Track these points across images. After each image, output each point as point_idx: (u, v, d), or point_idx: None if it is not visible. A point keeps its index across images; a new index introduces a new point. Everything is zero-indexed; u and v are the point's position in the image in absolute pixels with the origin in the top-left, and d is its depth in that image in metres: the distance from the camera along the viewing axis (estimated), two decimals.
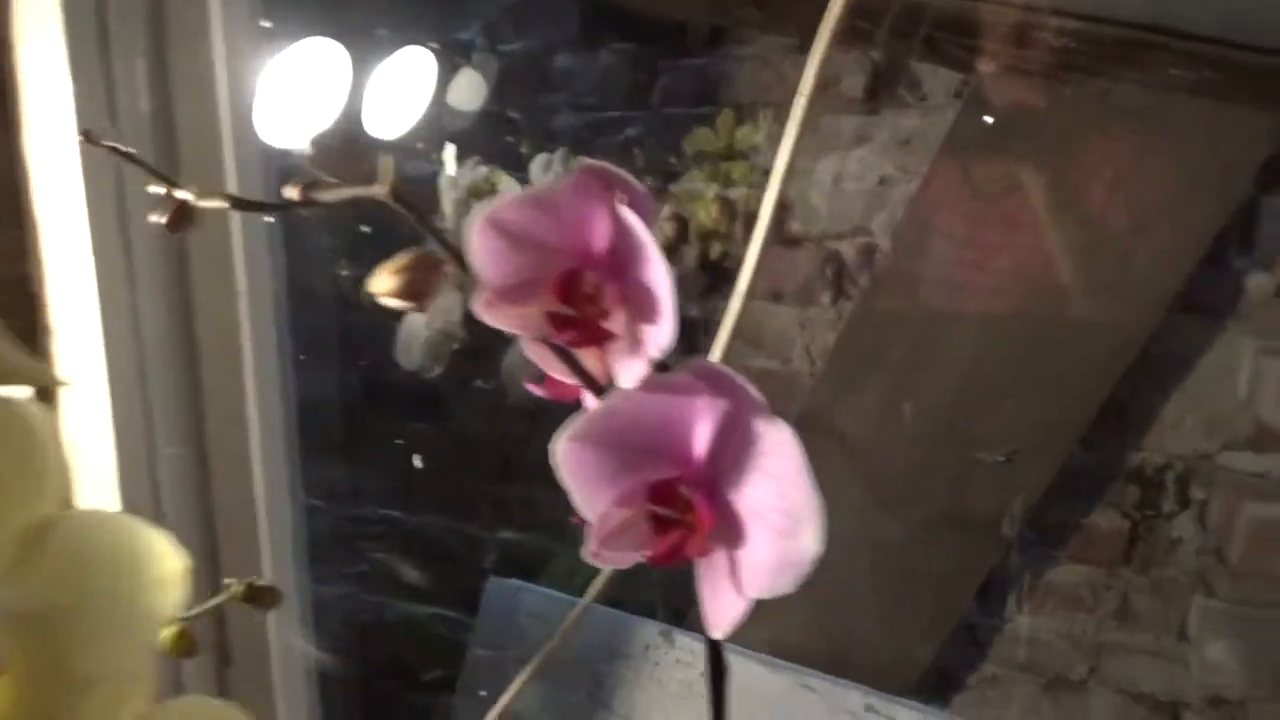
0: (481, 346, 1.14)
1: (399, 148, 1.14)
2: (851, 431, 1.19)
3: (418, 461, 1.24)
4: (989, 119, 1.06)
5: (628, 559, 0.32)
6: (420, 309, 0.33)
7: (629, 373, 0.30)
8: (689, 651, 1.17)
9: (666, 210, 1.16)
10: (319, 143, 0.30)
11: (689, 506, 0.30)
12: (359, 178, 0.30)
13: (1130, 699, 1.17)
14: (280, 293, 0.82)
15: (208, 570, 0.80)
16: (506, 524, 1.43)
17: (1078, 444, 1.11)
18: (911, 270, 1.14)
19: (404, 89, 1.20)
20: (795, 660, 1.10)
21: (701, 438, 0.30)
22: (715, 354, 0.51)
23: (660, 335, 0.29)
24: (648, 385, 0.29)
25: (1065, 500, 1.14)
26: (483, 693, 1.19)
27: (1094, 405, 1.08)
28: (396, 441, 1.48)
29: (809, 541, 0.27)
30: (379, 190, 0.31)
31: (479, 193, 1.06)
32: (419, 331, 1.05)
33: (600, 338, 0.30)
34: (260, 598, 0.38)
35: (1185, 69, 0.96)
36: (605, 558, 0.32)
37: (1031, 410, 1.09)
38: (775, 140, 1.20)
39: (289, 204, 0.34)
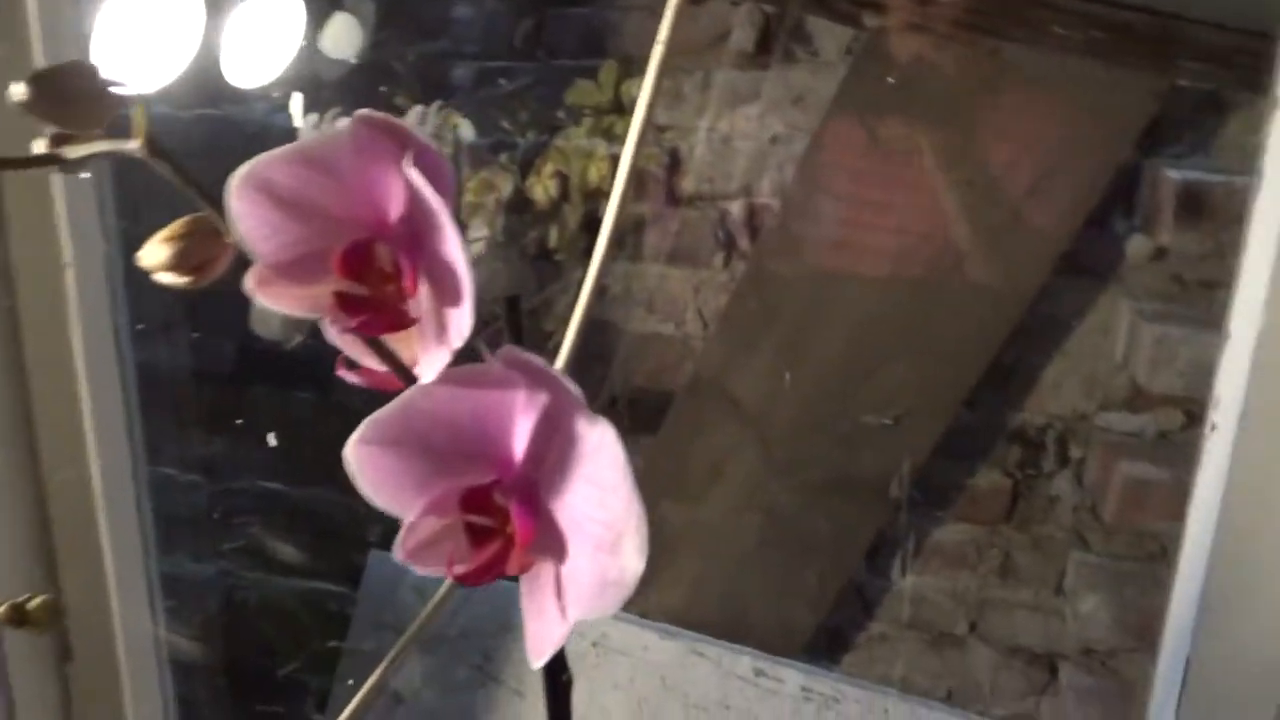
0: None
1: (257, 97, 1.05)
2: (742, 395, 1.17)
3: (272, 440, 1.17)
4: (878, 76, 1.04)
5: (440, 571, 0.28)
6: (198, 283, 0.28)
7: (430, 364, 0.25)
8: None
9: (550, 168, 1.11)
10: (37, 82, 0.24)
11: (507, 516, 0.26)
12: (93, 123, 0.25)
13: (1010, 652, 1.20)
14: (114, 261, 0.74)
15: (41, 553, 0.74)
16: None
17: (963, 405, 1.11)
18: (801, 231, 1.12)
19: (269, 32, 1.10)
20: (687, 627, 1.09)
21: (520, 437, 0.26)
22: (574, 322, 0.47)
23: (459, 320, 0.25)
24: (451, 379, 0.25)
25: (950, 461, 1.15)
26: (349, 681, 1.14)
27: (979, 367, 1.08)
28: (275, 412, 1.41)
29: (630, 559, 0.23)
30: (133, 145, 0.26)
31: None
32: None
33: (399, 322, 0.25)
34: (29, 619, 0.32)
35: (1074, 29, 0.95)
36: (419, 567, 0.27)
37: (919, 372, 1.09)
38: (667, 95, 1.16)
39: (35, 160, 0.29)
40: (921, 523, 1.18)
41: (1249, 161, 0.97)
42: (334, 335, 0.29)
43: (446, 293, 0.25)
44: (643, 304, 1.22)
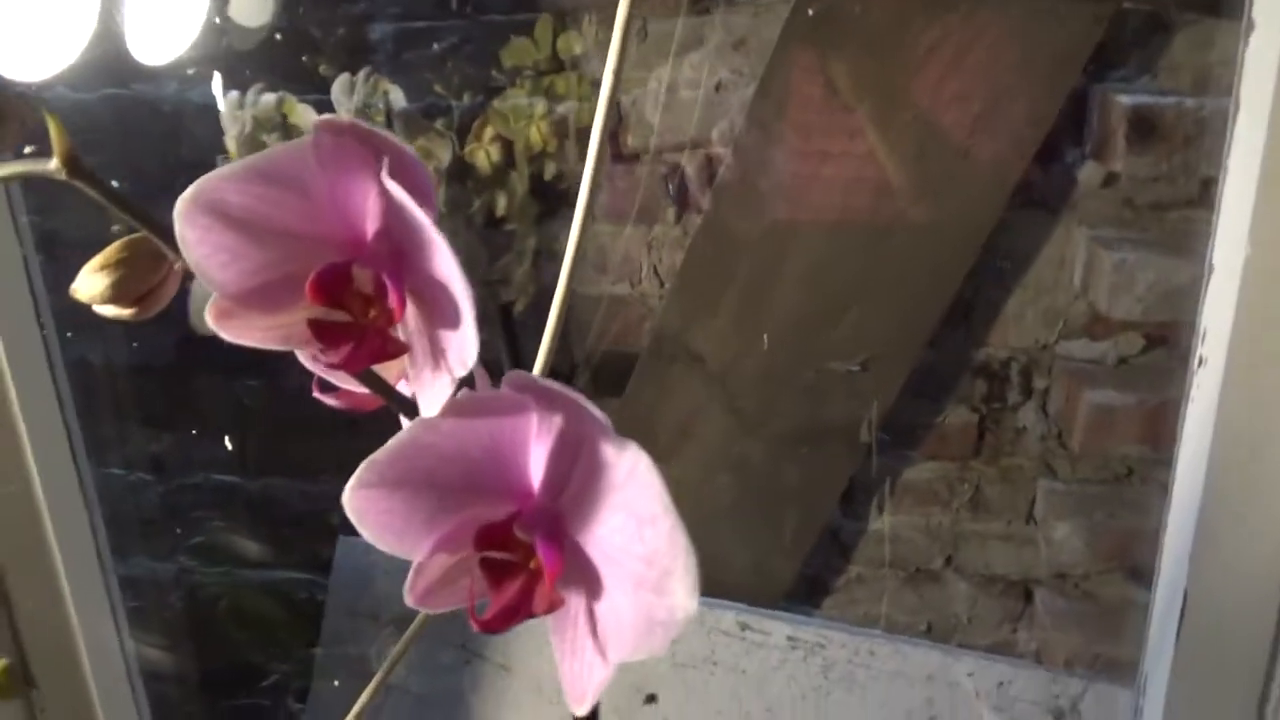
0: None
1: (170, 73, 0.98)
2: (706, 352, 1.15)
3: (229, 443, 1.13)
4: (822, 15, 1.01)
5: (455, 605, 0.26)
6: (144, 315, 0.25)
7: (432, 395, 0.23)
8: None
9: (490, 132, 1.06)
10: None
11: (530, 550, 0.24)
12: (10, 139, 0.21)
13: (986, 581, 1.22)
14: (31, 260, 0.70)
15: None
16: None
17: (927, 345, 1.11)
18: (754, 180, 1.09)
19: (173, 4, 1.03)
20: None
21: (536, 465, 0.24)
22: (559, 289, 0.44)
23: (460, 345, 0.22)
24: (457, 410, 0.22)
25: (918, 401, 1.15)
26: (333, 680, 1.12)
27: (941, 306, 1.08)
28: (226, 403, 1.36)
29: (680, 598, 0.21)
30: (51, 166, 0.23)
31: (268, 125, 0.93)
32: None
33: (387, 350, 0.22)
34: None
35: None
36: (428, 608, 0.25)
37: (881, 316, 1.08)
38: (602, 48, 1.12)
39: None
40: (892, 464, 1.18)
41: (1198, 83, 0.97)
42: (308, 360, 0.26)
43: (439, 314, 0.22)
44: (595, 265, 1.19)
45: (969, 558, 1.21)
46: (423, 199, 0.20)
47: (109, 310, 0.26)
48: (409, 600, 0.25)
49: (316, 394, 0.30)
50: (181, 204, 0.20)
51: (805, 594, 1.22)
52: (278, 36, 1.10)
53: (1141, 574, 1.11)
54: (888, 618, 1.24)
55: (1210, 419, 0.52)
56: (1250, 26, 0.48)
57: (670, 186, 1.17)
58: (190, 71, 0.97)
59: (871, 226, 1.05)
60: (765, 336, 1.11)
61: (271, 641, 1.33)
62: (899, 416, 1.15)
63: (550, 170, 1.09)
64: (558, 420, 0.23)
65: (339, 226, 0.22)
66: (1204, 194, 1.01)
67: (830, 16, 1.01)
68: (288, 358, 0.28)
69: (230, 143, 0.92)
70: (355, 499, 0.23)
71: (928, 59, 1.00)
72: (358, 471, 0.22)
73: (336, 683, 1.27)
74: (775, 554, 1.20)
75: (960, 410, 1.16)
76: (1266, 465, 0.51)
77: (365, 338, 0.22)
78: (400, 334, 0.23)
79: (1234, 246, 0.50)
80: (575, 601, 0.24)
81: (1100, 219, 1.05)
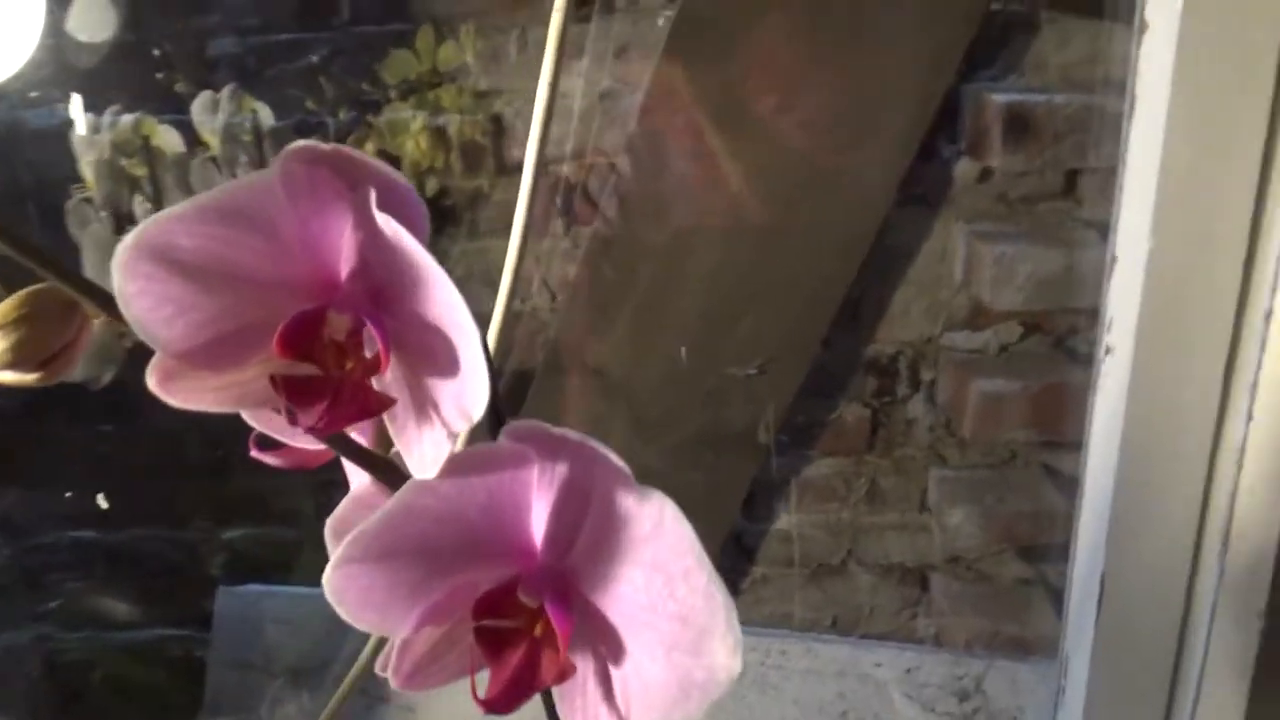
0: None
1: (7, 98, 0.89)
2: (603, 364, 1.13)
3: (102, 501, 1.03)
4: (703, 23, 1.01)
5: (447, 681, 0.23)
6: (52, 379, 0.21)
7: (426, 454, 0.20)
8: None
9: (369, 148, 1.01)
10: None
11: (535, 615, 0.21)
12: None
13: (884, 571, 1.25)
14: None
15: None
16: (232, 525, 1.25)
17: (820, 345, 1.13)
18: (643, 188, 1.08)
19: (3, 17, 0.94)
20: None
21: (538, 520, 0.21)
22: (497, 314, 0.42)
23: (463, 394, 0.19)
24: (457, 468, 0.20)
25: (813, 400, 1.17)
26: None
27: (832, 306, 1.10)
28: (82, 453, 1.24)
29: (722, 657, 0.19)
30: None
31: (128, 149, 0.85)
32: None
33: (369, 406, 0.20)
34: None
35: None
36: (416, 689, 0.22)
37: (777, 318, 1.09)
38: (484, 58, 1.08)
39: None
40: (792, 464, 1.20)
41: (1064, 80, 1.02)
42: (255, 420, 0.23)
43: (429, 360, 0.19)
44: (484, 282, 1.16)
45: (868, 549, 1.23)
46: (417, 232, 0.17)
47: (7, 376, 0.22)
48: (394, 683, 0.22)
49: (255, 453, 0.26)
50: (123, 252, 0.17)
51: None
52: (123, 51, 1.01)
53: (1031, 553, 1.16)
54: (793, 616, 1.26)
55: (1120, 407, 0.54)
56: (1143, 26, 0.50)
57: (558, 198, 1.15)
58: (32, 94, 0.88)
59: (764, 230, 1.06)
60: (662, 344, 1.10)
61: (153, 706, 1.22)
62: (796, 417, 1.17)
63: (432, 186, 1.05)
64: (562, 470, 0.21)
65: (308, 268, 0.19)
66: (1069, 186, 1.06)
67: (711, 25, 1.01)
68: (148, 399, 0.25)
69: (86, 170, 0.83)
70: (336, 578, 0.20)
71: (810, 64, 1.02)
72: (341, 548, 0.19)
73: None
74: None
75: (854, 406, 1.19)
76: (1175, 451, 0.53)
77: (342, 393, 0.19)
78: (384, 387, 0.20)
79: (1136, 239, 0.52)
80: (586, 668, 0.21)
81: (977, 214, 1.09)
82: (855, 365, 1.17)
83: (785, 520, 1.23)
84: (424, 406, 0.20)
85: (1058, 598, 0.82)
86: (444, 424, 0.19)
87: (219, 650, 1.18)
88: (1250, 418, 0.48)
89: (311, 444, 0.24)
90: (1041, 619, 1.14)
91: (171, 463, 1.23)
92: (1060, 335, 1.11)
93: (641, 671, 0.20)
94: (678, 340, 1.10)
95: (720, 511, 1.20)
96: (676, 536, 0.19)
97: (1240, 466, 0.48)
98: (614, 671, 0.21)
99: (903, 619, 1.27)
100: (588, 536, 0.21)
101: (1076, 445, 0.70)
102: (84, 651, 1.25)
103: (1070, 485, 0.77)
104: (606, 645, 0.21)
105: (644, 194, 1.07)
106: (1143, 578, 0.57)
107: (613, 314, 1.12)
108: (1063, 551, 0.76)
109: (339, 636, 1.05)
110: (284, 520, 1.19)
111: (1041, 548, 1.15)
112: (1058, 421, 1.08)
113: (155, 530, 1.28)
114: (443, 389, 0.19)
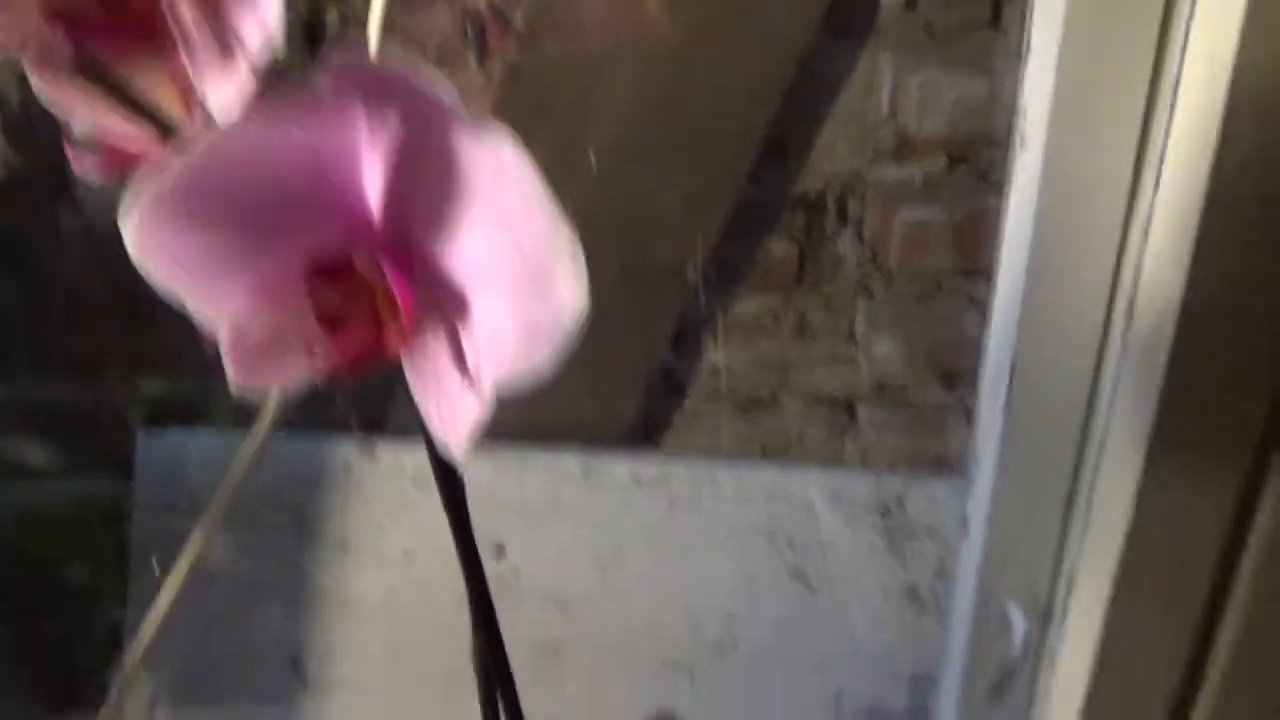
0: (42, 170, 0.89)
1: None
2: None
3: None
4: None
5: (292, 378, 0.21)
6: None
7: (222, 95, 0.18)
8: (395, 462, 1.08)
9: None
10: None
11: (371, 284, 0.20)
12: None
13: (812, 402, 1.27)
14: None
15: None
16: (146, 372, 1.22)
17: (747, 180, 1.11)
18: (557, 16, 1.03)
19: None
20: (515, 439, 1.07)
21: (371, 176, 0.19)
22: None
23: (259, 14, 0.17)
24: (263, 112, 0.18)
25: (741, 237, 1.15)
26: (154, 558, 1.04)
27: (757, 139, 1.07)
28: None
29: (567, 293, 0.18)
30: None
31: None
32: None
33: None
34: None
35: None
36: (258, 383, 0.21)
37: (701, 151, 1.07)
38: None
39: None
40: (720, 300, 1.19)
41: None
42: (39, 86, 0.21)
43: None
44: None
45: (796, 382, 1.25)
46: None
47: None
48: (233, 382, 0.20)
49: (76, 165, 0.24)
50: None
51: (645, 433, 1.24)
52: None
53: (953, 378, 1.19)
54: (725, 447, 1.28)
55: (1033, 193, 0.54)
56: None
57: (469, 30, 1.09)
58: None
59: (685, 58, 1.02)
60: (583, 179, 1.07)
61: (72, 556, 1.22)
62: (723, 253, 1.16)
63: (333, 13, 0.98)
64: (393, 117, 0.19)
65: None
66: (994, 15, 1.04)
67: None
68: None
69: None
70: (137, 227, 0.18)
71: None
72: (139, 188, 0.17)
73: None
74: (612, 396, 1.19)
75: (782, 242, 1.18)
76: (1086, 233, 0.53)
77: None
78: (172, 29, 0.17)
79: (1050, 28, 0.51)
80: (431, 332, 0.20)
81: (903, 43, 1.06)
82: (783, 201, 1.15)
83: (714, 356, 1.24)
84: (223, 40, 0.17)
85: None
86: (246, 56, 0.17)
87: (143, 494, 1.17)
88: (1157, 187, 0.47)
89: (132, 135, 0.22)
90: (960, 439, 1.17)
91: (76, 310, 1.18)
92: (984, 169, 1.11)
93: (487, 326, 0.19)
94: (598, 174, 1.07)
95: (650, 347, 1.20)
96: (517, 178, 0.18)
97: (1147, 235, 0.48)
98: (461, 330, 0.20)
99: (830, 447, 1.31)
100: (425, 192, 0.19)
101: None
102: (2, 503, 1.23)
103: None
104: (451, 305, 0.20)
105: (557, 23, 1.01)
106: (1050, 363, 0.58)
107: (528, 148, 1.08)
108: None
109: (258, 472, 1.04)
110: (198, 366, 1.16)
111: (963, 373, 1.18)
112: (981, 250, 1.08)
113: (63, 380, 1.24)
114: (242, 12, 0.17)
